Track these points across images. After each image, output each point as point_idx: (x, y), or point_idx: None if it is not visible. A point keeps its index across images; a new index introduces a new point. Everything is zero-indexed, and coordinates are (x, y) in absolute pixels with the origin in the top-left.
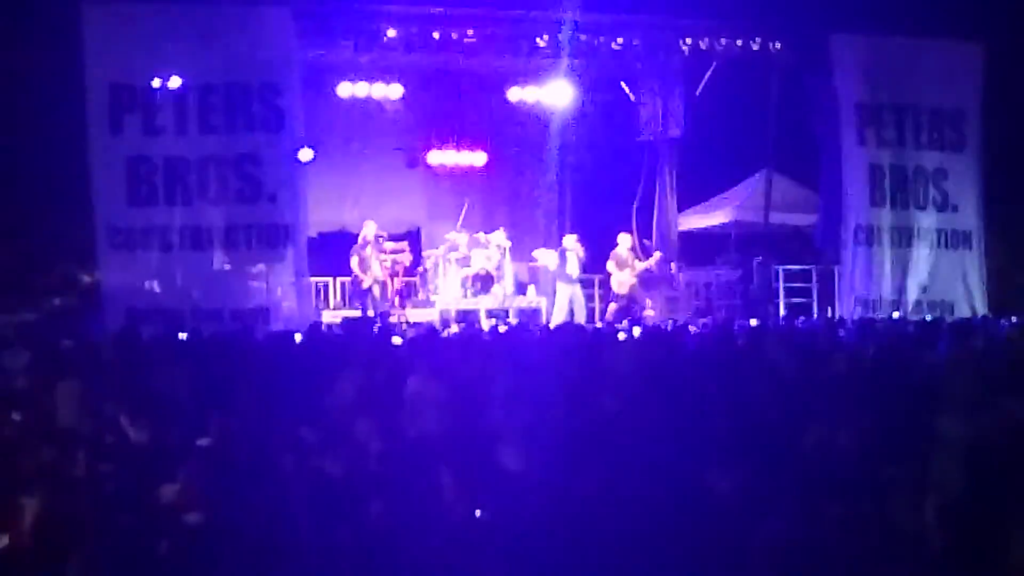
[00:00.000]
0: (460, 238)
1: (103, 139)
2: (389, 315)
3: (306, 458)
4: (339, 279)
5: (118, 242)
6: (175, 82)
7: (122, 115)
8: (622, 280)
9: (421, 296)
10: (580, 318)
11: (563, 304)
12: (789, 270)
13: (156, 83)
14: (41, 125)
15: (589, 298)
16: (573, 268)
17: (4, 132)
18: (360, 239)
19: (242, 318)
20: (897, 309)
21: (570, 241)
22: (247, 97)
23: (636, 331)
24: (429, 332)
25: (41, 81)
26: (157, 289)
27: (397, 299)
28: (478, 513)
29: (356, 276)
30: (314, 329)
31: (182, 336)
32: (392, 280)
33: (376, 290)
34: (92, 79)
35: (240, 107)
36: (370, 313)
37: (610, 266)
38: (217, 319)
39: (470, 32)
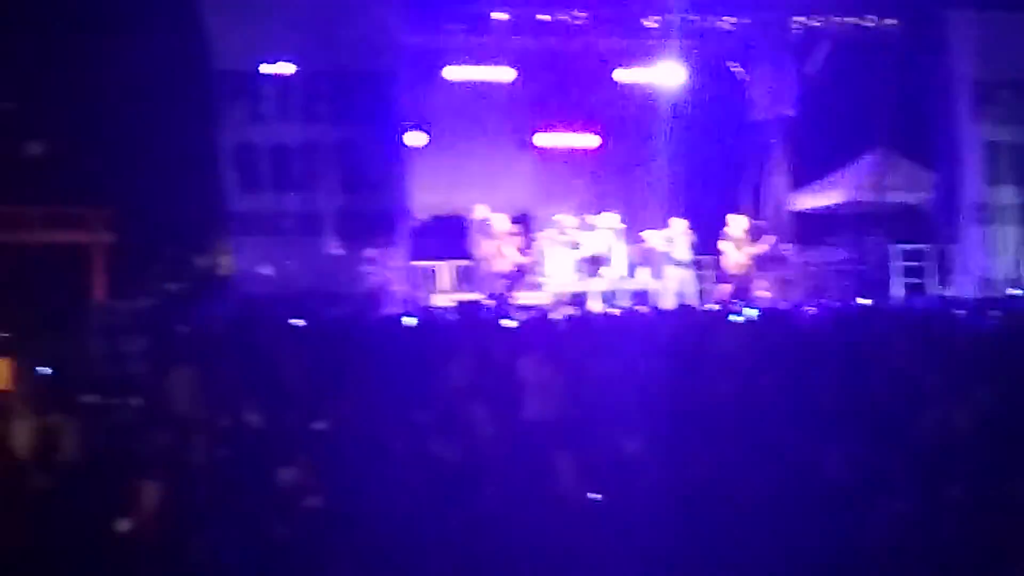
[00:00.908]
0: (571, 221)
1: (225, 126)
2: (500, 298)
3: (420, 441)
4: (450, 263)
5: (238, 227)
6: (291, 67)
7: (241, 101)
8: (735, 261)
9: (532, 279)
10: (691, 300)
11: (674, 286)
12: (904, 249)
13: (273, 68)
14: (159, 112)
15: (700, 280)
16: (683, 251)
17: (122, 120)
18: (471, 223)
19: (354, 303)
20: (1016, 287)
21: (680, 224)
22: (358, 81)
23: (750, 313)
24: (541, 315)
25: (159, 68)
26: (271, 274)
27: (508, 282)
28: (592, 496)
29: (468, 259)
30: (426, 313)
31: (297, 322)
32: (503, 263)
33: (488, 274)
34: (212, 65)
35: (352, 91)
36: (481, 297)
37: (722, 247)
38: (330, 304)
39: (579, 14)
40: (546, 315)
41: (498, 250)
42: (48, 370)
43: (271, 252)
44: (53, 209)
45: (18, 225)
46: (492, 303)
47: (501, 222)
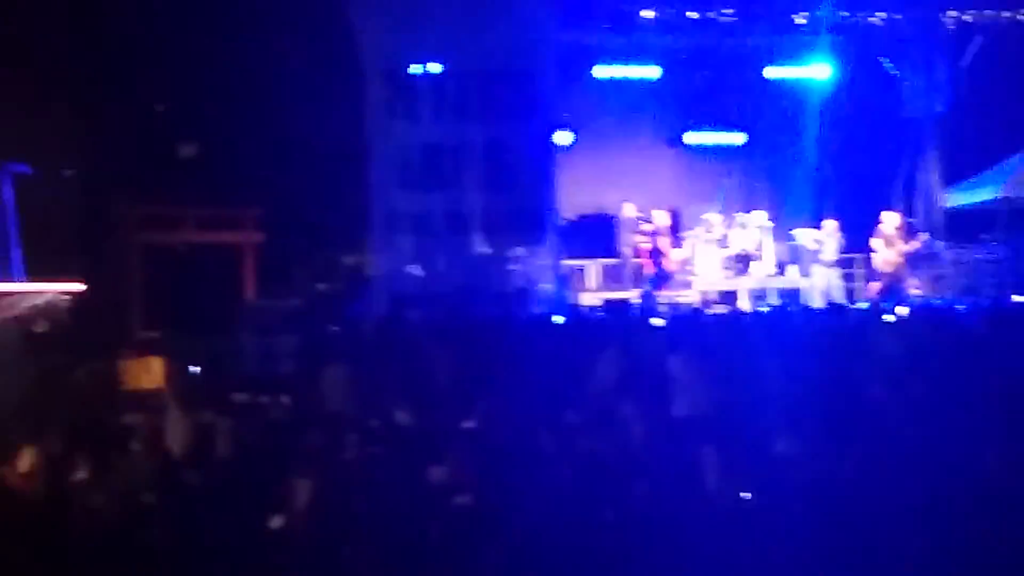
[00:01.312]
0: (719, 218)
1: (374, 126)
2: (648, 297)
3: (569, 439)
4: (597, 261)
5: (386, 226)
6: (440, 67)
7: (392, 100)
8: (887, 259)
9: (680, 277)
10: (839, 299)
11: (822, 284)
12: None
13: (423, 68)
14: (310, 112)
15: (850, 278)
16: (831, 250)
17: (274, 121)
18: (619, 221)
19: (503, 301)
20: None
21: (831, 222)
22: (508, 80)
23: (901, 311)
24: (689, 313)
25: (312, 69)
26: (420, 273)
27: (656, 281)
28: (743, 496)
29: (616, 258)
30: (574, 311)
31: (446, 320)
32: (651, 262)
33: (636, 272)
34: (362, 65)
35: (502, 90)
36: (628, 295)
37: (874, 244)
38: (478, 302)
39: (728, 11)
40: (695, 313)
41: (646, 248)
42: (200, 369)
43: (420, 251)
44: (206, 210)
45: (172, 226)
46: (640, 301)
47: (649, 220)
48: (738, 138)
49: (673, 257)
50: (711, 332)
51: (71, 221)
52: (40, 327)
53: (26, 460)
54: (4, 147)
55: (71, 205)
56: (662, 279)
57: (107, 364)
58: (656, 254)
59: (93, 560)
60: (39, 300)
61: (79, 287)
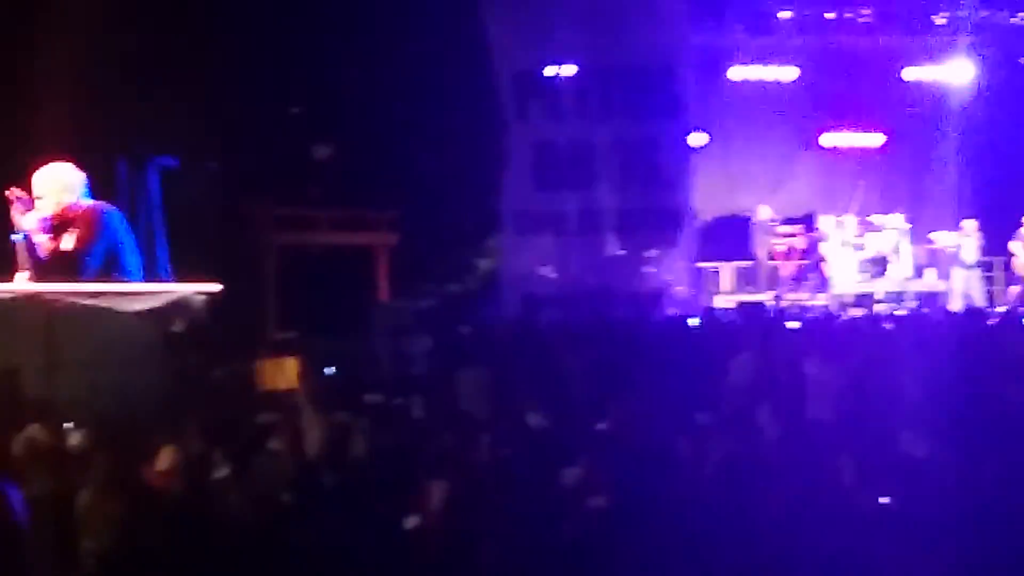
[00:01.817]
0: (855, 221)
1: (508, 126)
2: (784, 300)
3: (703, 443)
4: (732, 264)
5: (519, 227)
6: (574, 68)
7: (526, 101)
8: None
9: (816, 280)
10: (977, 302)
11: (960, 288)
12: None
13: (557, 69)
14: (444, 114)
15: (990, 281)
16: (972, 252)
17: (407, 123)
18: (754, 224)
19: (636, 303)
20: None
21: (969, 226)
22: (643, 81)
23: None
24: (825, 316)
25: (448, 71)
26: (553, 274)
27: (792, 283)
28: (882, 501)
29: (750, 260)
30: (709, 313)
31: (579, 322)
32: (787, 264)
33: (770, 275)
34: (496, 67)
35: (637, 91)
36: (763, 298)
37: (1013, 248)
38: (612, 304)
39: (865, 11)
40: (830, 316)
41: (781, 251)
42: (334, 370)
43: (554, 251)
44: (340, 211)
45: (306, 227)
46: (776, 304)
47: (784, 222)
48: (876, 140)
49: (808, 260)
50: (846, 335)
51: (209, 220)
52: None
53: (166, 459)
54: (150, 141)
55: (209, 205)
56: (797, 282)
57: (243, 364)
58: (791, 256)
59: (232, 559)
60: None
61: (216, 287)
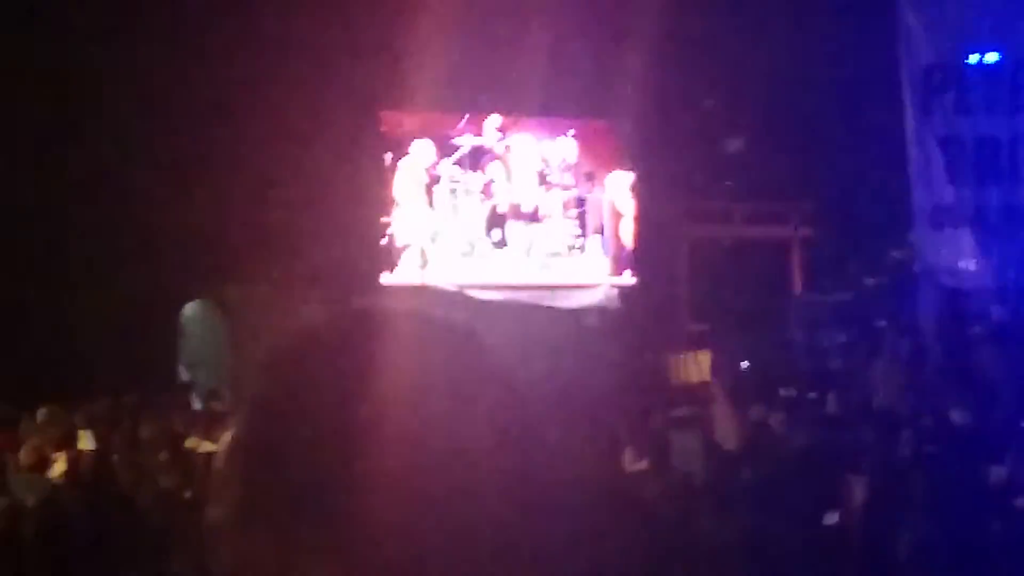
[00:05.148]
0: None
1: (924, 118)
2: None
3: None
4: None
5: (933, 221)
6: (991, 57)
7: (933, 95)
8: None
9: None
10: None
11: None
12: None
13: (972, 60)
14: (858, 107)
15: None
16: None
17: (823, 115)
18: None
19: None
20: None
21: None
22: None
23: None
24: None
25: (860, 63)
26: (973, 268)
27: None
28: None
29: None
30: None
31: (1001, 317)
32: None
33: None
34: (906, 61)
35: None
36: None
37: None
38: None
39: None
40: None
41: None
42: (748, 363)
43: (972, 245)
44: (753, 204)
45: (722, 220)
46: None
47: None
48: None
49: None
50: None
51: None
52: (593, 320)
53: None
54: None
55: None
56: None
57: (658, 357)
58: None
59: (646, 550)
60: (595, 293)
61: (631, 280)
